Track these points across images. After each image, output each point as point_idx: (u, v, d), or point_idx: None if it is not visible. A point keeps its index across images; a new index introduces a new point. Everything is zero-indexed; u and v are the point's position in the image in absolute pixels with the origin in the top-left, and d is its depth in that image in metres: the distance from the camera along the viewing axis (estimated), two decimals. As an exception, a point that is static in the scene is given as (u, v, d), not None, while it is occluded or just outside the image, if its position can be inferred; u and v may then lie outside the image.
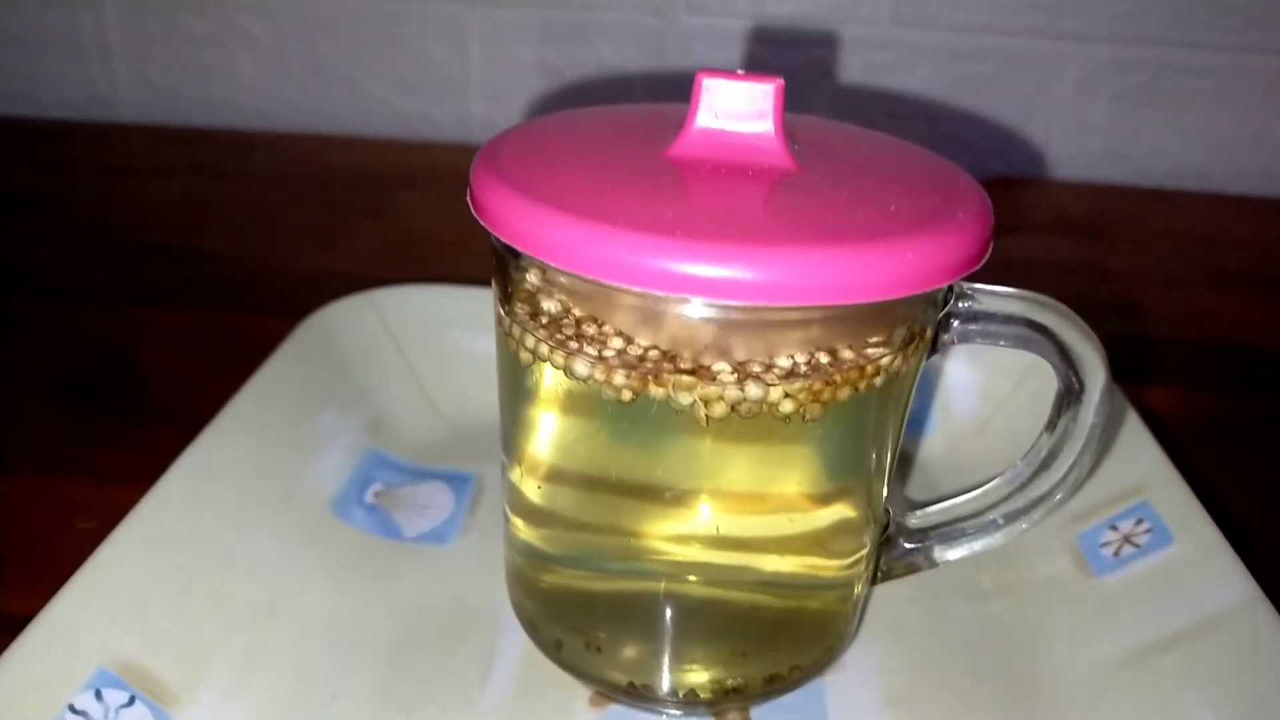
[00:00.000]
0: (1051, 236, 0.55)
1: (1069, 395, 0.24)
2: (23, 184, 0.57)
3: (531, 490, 0.25)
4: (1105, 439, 0.27)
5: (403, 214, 0.55)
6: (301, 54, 0.64)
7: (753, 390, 0.20)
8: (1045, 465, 0.25)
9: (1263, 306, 0.49)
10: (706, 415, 0.21)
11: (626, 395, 0.21)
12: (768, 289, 0.18)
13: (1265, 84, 0.61)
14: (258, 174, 0.60)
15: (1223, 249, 0.55)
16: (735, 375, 0.20)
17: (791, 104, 0.22)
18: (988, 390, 0.36)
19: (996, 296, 0.23)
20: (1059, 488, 0.25)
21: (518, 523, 0.26)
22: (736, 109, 0.22)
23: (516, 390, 0.24)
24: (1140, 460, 0.31)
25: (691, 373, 0.20)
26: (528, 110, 0.65)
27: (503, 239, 0.21)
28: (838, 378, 0.21)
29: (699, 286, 0.18)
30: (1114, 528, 0.29)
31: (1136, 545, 0.29)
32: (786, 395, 0.20)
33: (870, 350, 0.21)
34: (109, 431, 0.36)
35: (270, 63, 0.65)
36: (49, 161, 0.61)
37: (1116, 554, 0.29)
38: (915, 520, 0.27)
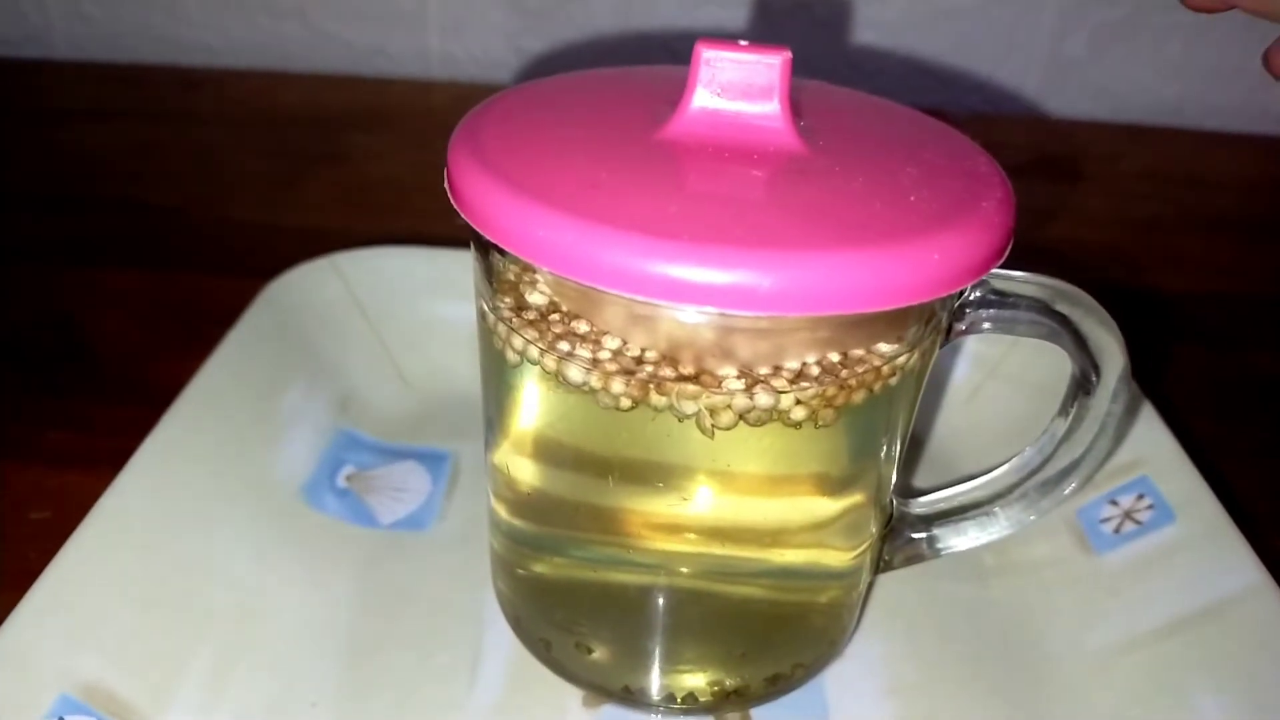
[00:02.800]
0: (1032, 179, 0.53)
1: (1084, 383, 0.23)
2: (-51, 129, 0.54)
3: (517, 478, 0.23)
4: (1121, 429, 0.27)
5: (360, 158, 0.53)
6: (246, -15, 0.61)
7: (762, 399, 0.19)
8: (1057, 453, 0.24)
9: (1243, 252, 0.49)
10: (713, 425, 0.19)
11: (625, 403, 0.19)
12: (782, 299, 0.17)
13: (1244, 19, 0.59)
14: (204, 116, 0.57)
15: (1202, 191, 0.54)
16: (743, 382, 0.19)
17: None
18: (978, 355, 0.35)
19: (1014, 283, 0.22)
20: (1071, 477, 0.24)
21: (501, 510, 0.25)
22: (739, 85, 0.20)
23: (501, 385, 0.22)
24: (1139, 432, 0.30)
25: (695, 379, 0.19)
26: (487, 44, 0.62)
27: (486, 235, 0.19)
28: (852, 381, 0.19)
29: (706, 295, 0.17)
30: (1114, 502, 0.29)
31: (1138, 522, 0.28)
32: (798, 402, 0.19)
33: (883, 348, 0.20)
34: (57, 409, 0.34)
35: (213, -6, 0.61)
36: (-23, 104, 0.57)
37: (1118, 530, 0.28)
38: (921, 508, 0.25)
